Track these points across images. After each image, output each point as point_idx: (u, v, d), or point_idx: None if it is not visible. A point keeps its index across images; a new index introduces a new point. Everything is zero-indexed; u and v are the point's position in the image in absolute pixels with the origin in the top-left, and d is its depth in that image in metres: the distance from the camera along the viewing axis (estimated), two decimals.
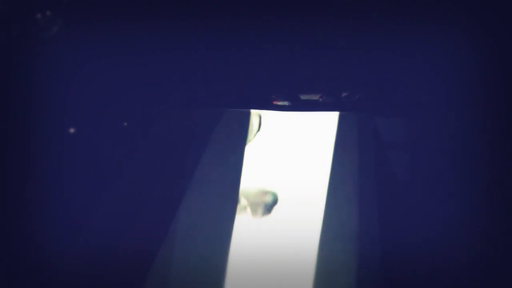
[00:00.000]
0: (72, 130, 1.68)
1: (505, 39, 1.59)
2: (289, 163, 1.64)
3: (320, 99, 1.98)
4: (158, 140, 1.84)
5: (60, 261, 1.39)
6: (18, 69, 1.56)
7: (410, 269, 1.30)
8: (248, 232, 1.41)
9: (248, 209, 1.41)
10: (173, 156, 1.73)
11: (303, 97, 1.99)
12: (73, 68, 1.70)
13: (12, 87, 1.54)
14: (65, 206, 1.53)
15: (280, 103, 1.99)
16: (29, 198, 1.51)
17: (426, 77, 1.79)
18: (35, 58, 1.60)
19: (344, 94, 1.96)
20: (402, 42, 1.78)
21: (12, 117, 1.52)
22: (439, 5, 1.66)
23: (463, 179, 1.52)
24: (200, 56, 1.99)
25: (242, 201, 1.46)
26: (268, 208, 1.44)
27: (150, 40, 1.90)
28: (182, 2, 1.84)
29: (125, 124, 1.91)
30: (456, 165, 1.56)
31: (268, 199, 1.44)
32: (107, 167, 1.70)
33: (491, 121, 1.61)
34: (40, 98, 1.61)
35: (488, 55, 1.62)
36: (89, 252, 1.40)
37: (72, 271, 1.36)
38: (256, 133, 1.79)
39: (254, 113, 1.88)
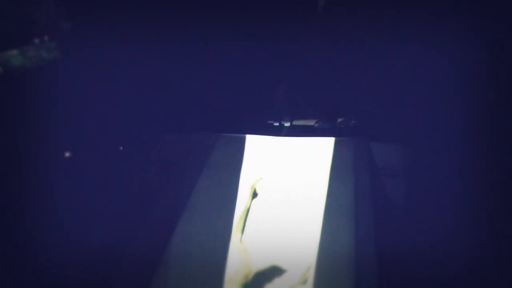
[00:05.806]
0: (68, 154, 1.68)
1: (500, 63, 1.62)
2: (284, 188, 1.64)
3: (316, 125, 1.99)
4: (155, 164, 1.85)
5: (61, 264, 1.42)
6: (16, 77, 1.57)
7: None
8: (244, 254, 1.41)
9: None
10: (170, 179, 1.73)
11: (299, 122, 2.00)
12: (75, 83, 1.71)
13: (12, 91, 1.55)
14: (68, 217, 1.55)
15: (276, 127, 2.00)
16: (35, 201, 1.51)
17: (421, 103, 1.81)
18: (34, 78, 1.61)
19: (339, 120, 1.97)
20: (399, 68, 1.81)
21: (12, 120, 1.53)
22: (433, 30, 1.69)
23: (458, 205, 1.52)
24: (196, 82, 2.01)
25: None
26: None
27: (148, 66, 1.92)
28: (178, 26, 1.87)
29: (121, 148, 1.91)
30: (451, 192, 1.56)
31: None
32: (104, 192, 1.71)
33: (487, 148, 1.62)
34: (41, 104, 1.62)
35: (483, 80, 1.64)
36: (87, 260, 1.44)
37: (72, 274, 1.39)
38: (252, 158, 1.79)
39: (250, 138, 1.89)
